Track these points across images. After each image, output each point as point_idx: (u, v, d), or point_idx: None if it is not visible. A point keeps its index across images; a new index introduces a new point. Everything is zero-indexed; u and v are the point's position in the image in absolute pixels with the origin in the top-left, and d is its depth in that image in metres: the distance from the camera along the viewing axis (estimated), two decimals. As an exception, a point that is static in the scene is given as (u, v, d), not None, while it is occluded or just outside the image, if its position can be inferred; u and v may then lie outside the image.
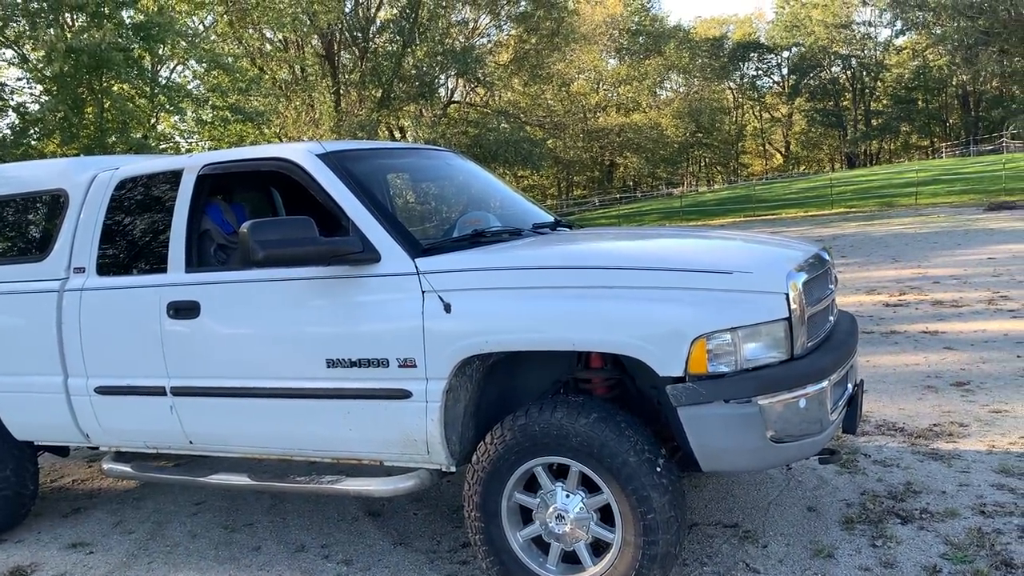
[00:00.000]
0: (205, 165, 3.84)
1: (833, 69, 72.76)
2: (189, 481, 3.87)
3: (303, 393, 3.44)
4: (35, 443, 4.46)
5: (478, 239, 3.69)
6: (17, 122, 24.53)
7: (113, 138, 23.73)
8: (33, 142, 24.78)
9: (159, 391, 3.78)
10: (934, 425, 4.95)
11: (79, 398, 4.03)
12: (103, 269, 3.99)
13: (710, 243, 3.61)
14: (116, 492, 5.19)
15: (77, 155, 22.96)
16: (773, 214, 32.38)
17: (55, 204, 4.24)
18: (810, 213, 30.66)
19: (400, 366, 3.23)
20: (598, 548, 3.10)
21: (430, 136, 33.45)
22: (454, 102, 40.26)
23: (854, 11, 68.21)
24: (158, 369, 3.76)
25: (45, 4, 20.60)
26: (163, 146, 25.79)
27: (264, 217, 4.13)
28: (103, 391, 3.95)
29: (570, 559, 3.16)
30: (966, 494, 3.92)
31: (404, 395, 3.23)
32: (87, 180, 4.18)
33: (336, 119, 30.76)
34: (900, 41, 68.52)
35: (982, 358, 6.49)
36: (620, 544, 2.98)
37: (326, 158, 3.60)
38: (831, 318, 3.49)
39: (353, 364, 3.31)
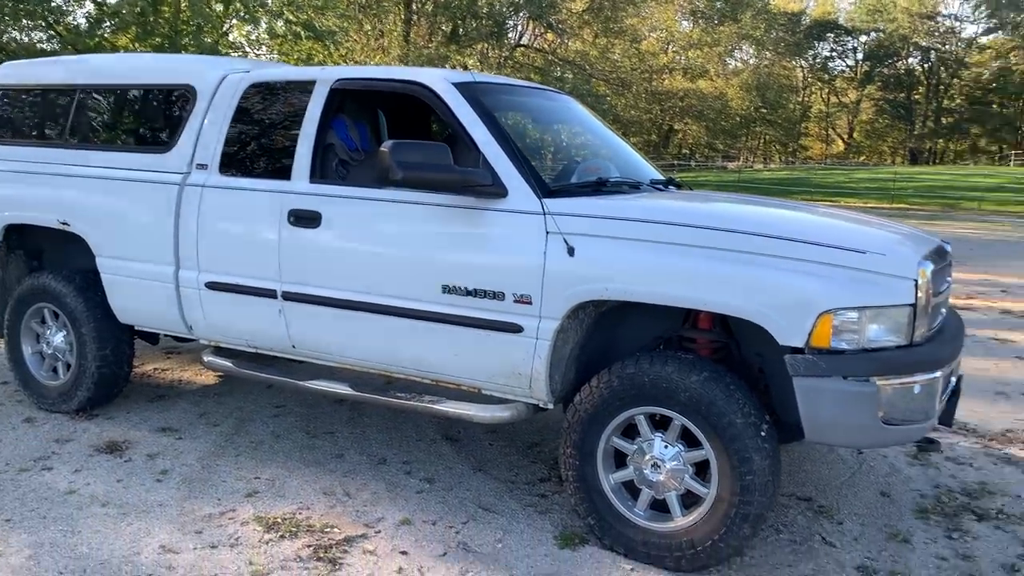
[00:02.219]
0: (339, 79, 3.90)
1: (910, 60, 70.56)
2: (290, 383, 4.01)
3: (414, 314, 3.53)
4: (135, 327, 4.64)
5: (600, 187, 3.72)
6: (94, 12, 24.74)
7: (186, 40, 23.85)
8: (107, 35, 24.98)
9: (270, 293, 3.89)
10: (1007, 431, 4.96)
11: (188, 290, 4.17)
12: (226, 169, 4.09)
13: (840, 221, 3.61)
14: (197, 385, 5.39)
15: (148, 52, 23.19)
16: (831, 200, 31.81)
17: (182, 99, 4.33)
18: (869, 204, 30.11)
19: (515, 301, 3.30)
20: (687, 500, 3.19)
21: (495, 77, 33.15)
22: (521, 45, 39.75)
23: (942, 2, 65.93)
24: (271, 272, 3.88)
25: None
26: (233, 54, 25.86)
27: (363, 139, 4.21)
28: (213, 286, 4.08)
29: (658, 507, 3.25)
30: (1042, 501, 3.95)
31: (516, 329, 3.31)
32: (216, 79, 4.25)
33: (404, 49, 30.59)
34: (985, 40, 66.21)
35: (1054, 372, 6.44)
36: (713, 500, 3.06)
37: (463, 87, 3.64)
38: (943, 311, 3.50)
39: (468, 293, 3.39)
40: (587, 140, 4.60)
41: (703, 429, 3.05)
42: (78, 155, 4.56)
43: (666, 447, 3.17)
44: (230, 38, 27.36)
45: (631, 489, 3.30)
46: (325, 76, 3.94)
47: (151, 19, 23.00)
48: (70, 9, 24.82)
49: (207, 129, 4.18)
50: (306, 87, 3.97)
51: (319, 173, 3.86)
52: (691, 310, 3.31)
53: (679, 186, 4.40)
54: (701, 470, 3.16)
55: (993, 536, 3.56)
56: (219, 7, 25.14)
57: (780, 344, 2.92)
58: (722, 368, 3.16)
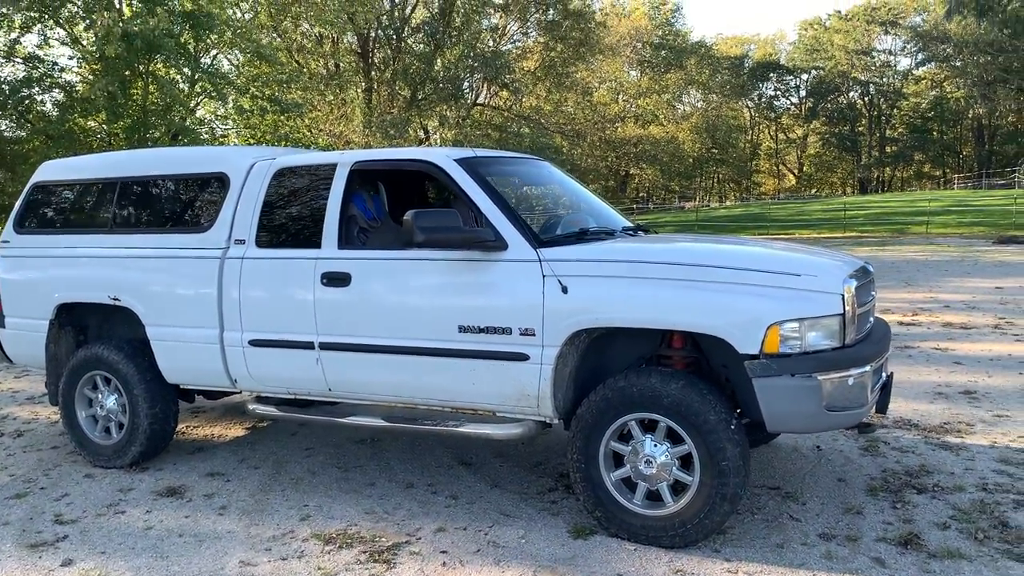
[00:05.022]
0: (357, 161, 4.62)
1: (851, 94, 73.57)
2: (330, 422, 4.66)
3: (435, 352, 4.22)
4: (180, 386, 5.25)
5: (582, 236, 4.46)
6: (61, 99, 25.35)
7: (154, 119, 24.56)
8: (78, 119, 25.58)
9: (308, 345, 4.55)
10: (944, 423, 5.72)
11: (233, 349, 4.80)
12: (261, 242, 4.77)
13: (779, 252, 4.37)
14: (229, 437, 5.97)
15: (117, 134, 23.86)
16: (786, 233, 33.11)
17: (217, 184, 5.02)
18: (823, 235, 31.40)
19: (521, 334, 4.00)
20: (676, 488, 3.87)
21: (455, 137, 34.26)
22: (478, 104, 41.06)
23: (875, 39, 69.13)
24: (308, 327, 4.54)
25: (103, -12, 21.37)
26: (201, 130, 26.57)
27: (377, 209, 4.94)
28: (256, 343, 4.72)
29: (652, 497, 3.93)
30: (971, 475, 4.69)
31: (523, 358, 4.01)
32: (247, 166, 4.96)
33: (368, 116, 31.58)
34: (919, 71, 69.40)
35: (988, 373, 7.26)
36: (698, 485, 3.75)
37: (462, 162, 4.39)
38: (871, 320, 4.26)
39: (481, 331, 4.09)
40: (566, 197, 5.36)
41: (684, 427, 3.75)
42: (123, 239, 5.21)
43: (655, 445, 3.86)
44: (197, 115, 28.12)
45: (629, 484, 3.97)
46: (345, 160, 4.67)
47: (120, 102, 23.69)
48: (39, 97, 25.43)
49: (242, 209, 4.86)
50: (328, 169, 4.68)
51: (344, 240, 4.56)
52: (666, 332, 4.04)
53: (647, 231, 5.17)
54: (685, 463, 3.85)
55: (930, 504, 4.28)
56: (185, 87, 25.93)
57: (740, 353, 3.64)
58: (696, 377, 3.87)
